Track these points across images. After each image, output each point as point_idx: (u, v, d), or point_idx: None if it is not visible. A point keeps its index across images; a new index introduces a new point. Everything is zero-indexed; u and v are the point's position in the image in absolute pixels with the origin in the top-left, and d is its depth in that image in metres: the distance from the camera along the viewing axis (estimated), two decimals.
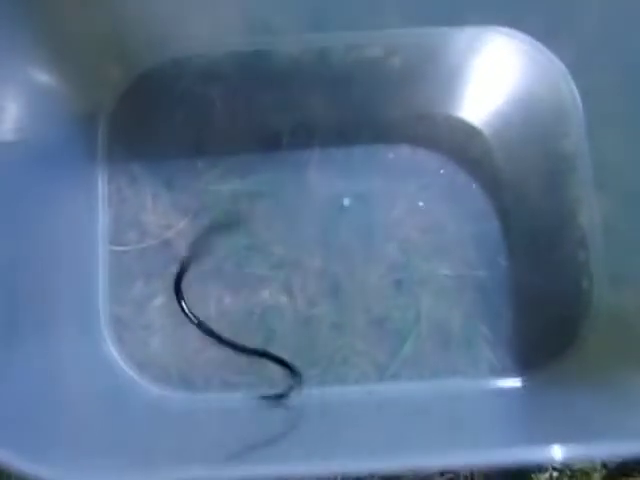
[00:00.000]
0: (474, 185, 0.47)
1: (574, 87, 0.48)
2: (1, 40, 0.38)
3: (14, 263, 0.39)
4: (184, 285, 0.46)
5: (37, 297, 0.41)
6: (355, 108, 0.48)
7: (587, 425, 0.35)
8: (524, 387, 0.45)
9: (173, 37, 0.47)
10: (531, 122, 0.48)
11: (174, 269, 0.46)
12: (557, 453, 0.31)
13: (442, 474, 0.46)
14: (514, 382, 0.45)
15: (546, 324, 0.46)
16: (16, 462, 0.30)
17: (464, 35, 0.48)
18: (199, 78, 0.48)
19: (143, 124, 0.48)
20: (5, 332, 0.36)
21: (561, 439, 0.32)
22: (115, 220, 0.47)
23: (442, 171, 0.47)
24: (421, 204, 0.47)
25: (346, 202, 0.47)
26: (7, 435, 0.31)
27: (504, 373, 0.45)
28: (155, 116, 0.48)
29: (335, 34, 0.48)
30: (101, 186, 0.47)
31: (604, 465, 0.46)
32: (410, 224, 0.47)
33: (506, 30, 0.47)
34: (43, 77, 0.43)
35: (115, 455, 0.35)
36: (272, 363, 0.45)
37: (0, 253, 0.38)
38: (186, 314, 0.46)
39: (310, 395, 0.45)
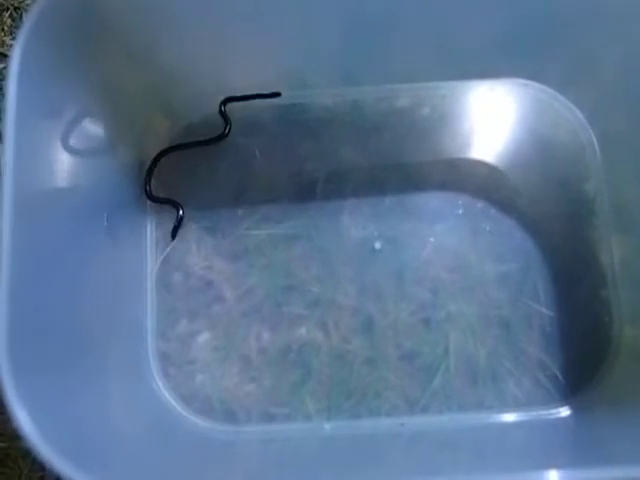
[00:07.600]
0: (498, 227, 0.49)
1: (592, 134, 0.50)
2: (57, 97, 0.41)
3: (69, 306, 0.41)
4: (226, 320, 0.48)
5: (90, 336, 0.42)
6: (385, 155, 0.50)
7: (609, 457, 0.37)
8: (547, 420, 0.46)
9: (216, 92, 0.49)
10: (552, 167, 0.50)
11: (217, 308, 0.49)
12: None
13: None
14: (538, 415, 0.46)
15: (568, 360, 0.47)
16: None
17: (487, 86, 0.50)
18: (240, 130, 0.50)
19: (188, 173, 0.50)
20: (62, 370, 0.38)
21: (584, 469, 0.34)
22: (162, 263, 0.49)
23: (462, 212, 0.49)
24: (447, 246, 0.49)
25: (377, 245, 0.49)
26: (65, 458, 0.33)
27: (528, 407, 0.46)
28: (199, 165, 0.50)
29: (366, 88, 0.50)
30: (149, 232, 0.50)
31: None
32: (438, 265, 0.49)
33: (526, 82, 0.50)
34: (95, 129, 0.45)
35: None
36: (308, 397, 0.47)
37: (56, 295, 0.39)
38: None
39: (343, 426, 0.47)
